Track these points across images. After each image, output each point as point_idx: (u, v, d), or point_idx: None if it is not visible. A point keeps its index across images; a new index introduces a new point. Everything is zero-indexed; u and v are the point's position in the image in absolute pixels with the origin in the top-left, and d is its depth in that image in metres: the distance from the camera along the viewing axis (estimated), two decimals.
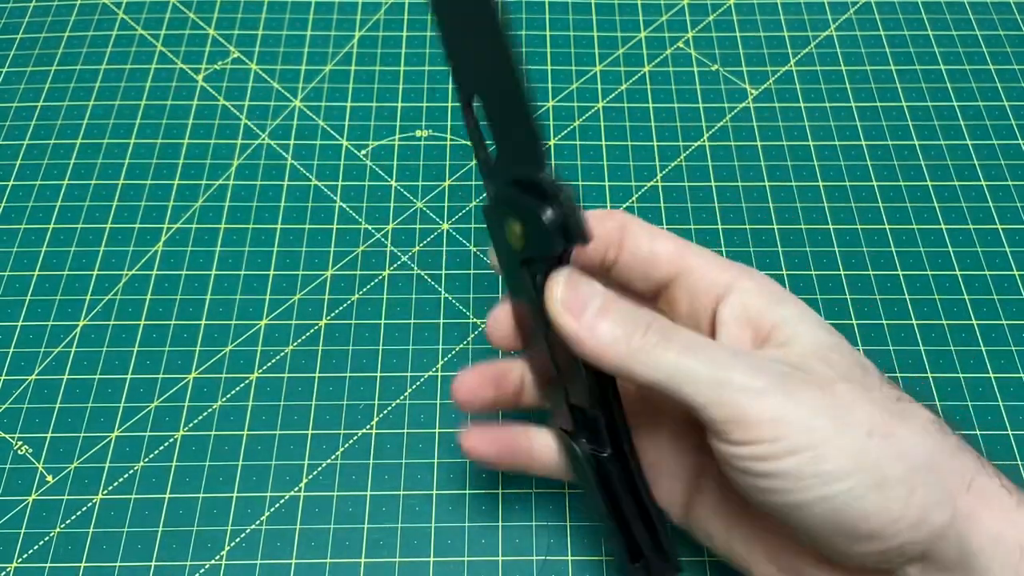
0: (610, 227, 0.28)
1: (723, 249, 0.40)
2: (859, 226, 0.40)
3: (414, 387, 0.36)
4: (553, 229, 0.23)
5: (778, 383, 0.23)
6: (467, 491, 0.34)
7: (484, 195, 0.26)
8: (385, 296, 0.38)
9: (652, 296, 0.29)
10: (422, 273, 0.39)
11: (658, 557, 0.29)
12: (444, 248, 0.40)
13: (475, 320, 0.38)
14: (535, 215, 0.23)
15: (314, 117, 0.44)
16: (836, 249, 0.40)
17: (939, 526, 0.23)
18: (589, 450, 0.28)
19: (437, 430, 0.35)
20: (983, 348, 0.37)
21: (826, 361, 0.25)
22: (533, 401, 0.30)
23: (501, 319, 0.29)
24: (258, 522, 0.33)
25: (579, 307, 0.25)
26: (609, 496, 0.28)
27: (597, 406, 0.27)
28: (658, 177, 0.42)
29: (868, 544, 0.23)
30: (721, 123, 0.44)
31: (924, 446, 0.23)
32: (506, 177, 0.25)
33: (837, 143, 0.43)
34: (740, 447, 0.24)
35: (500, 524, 0.33)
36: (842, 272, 0.39)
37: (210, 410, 0.35)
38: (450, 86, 0.45)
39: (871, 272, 0.39)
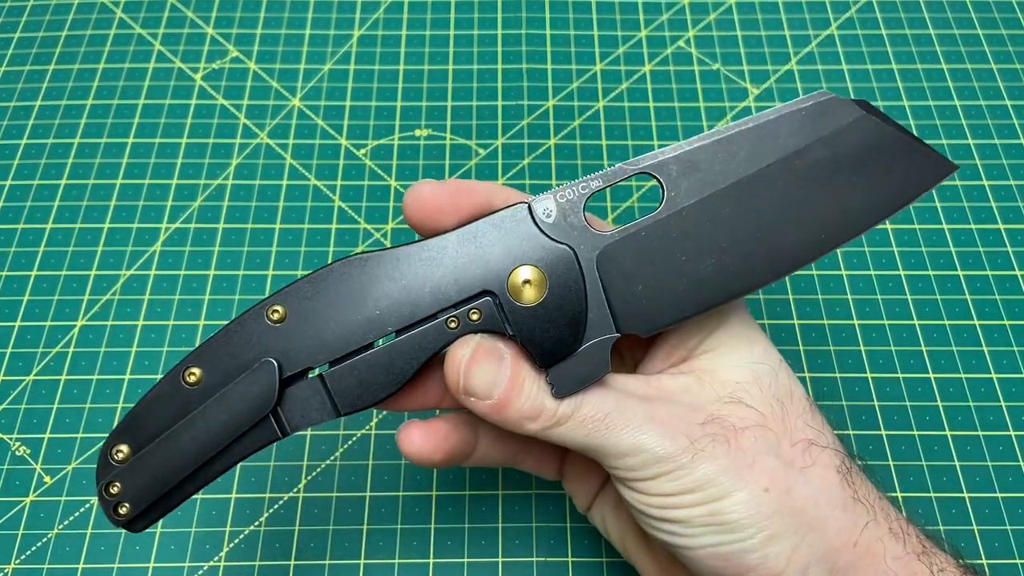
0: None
1: None
2: None
3: None
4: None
5: (685, 444, 0.24)
6: (467, 492, 0.34)
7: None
8: None
9: None
10: None
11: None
12: None
13: None
14: (581, 314, 0.23)
15: (313, 116, 0.44)
16: (837, 249, 0.40)
17: None
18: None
19: None
20: (985, 348, 0.37)
21: (744, 397, 0.25)
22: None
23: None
24: (257, 523, 0.33)
25: (484, 389, 0.24)
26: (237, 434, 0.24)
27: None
28: None
29: None
30: (722, 122, 0.44)
31: (818, 503, 0.24)
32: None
33: None
34: (640, 495, 0.24)
35: (500, 525, 0.33)
36: (843, 272, 0.39)
37: None
38: (450, 85, 0.45)
39: (872, 272, 0.39)
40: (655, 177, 0.24)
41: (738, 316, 0.26)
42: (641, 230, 0.24)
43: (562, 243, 0.24)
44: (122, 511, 0.24)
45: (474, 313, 0.24)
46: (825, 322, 0.38)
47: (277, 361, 0.24)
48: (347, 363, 0.24)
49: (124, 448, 0.24)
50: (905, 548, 0.24)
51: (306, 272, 0.39)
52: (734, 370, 0.25)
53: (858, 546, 0.24)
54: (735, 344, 0.26)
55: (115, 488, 0.24)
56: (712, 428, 0.24)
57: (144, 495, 0.24)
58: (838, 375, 0.36)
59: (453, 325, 0.24)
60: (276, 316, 0.24)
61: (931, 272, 0.39)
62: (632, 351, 0.28)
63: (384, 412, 0.35)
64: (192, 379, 0.24)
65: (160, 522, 0.33)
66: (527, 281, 0.24)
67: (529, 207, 0.24)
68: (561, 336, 0.24)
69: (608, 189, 0.41)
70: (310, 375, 0.24)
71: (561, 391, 0.24)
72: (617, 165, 0.24)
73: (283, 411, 0.24)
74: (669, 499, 0.24)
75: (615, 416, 0.24)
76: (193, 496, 0.25)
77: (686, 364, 0.26)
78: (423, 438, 0.26)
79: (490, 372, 0.24)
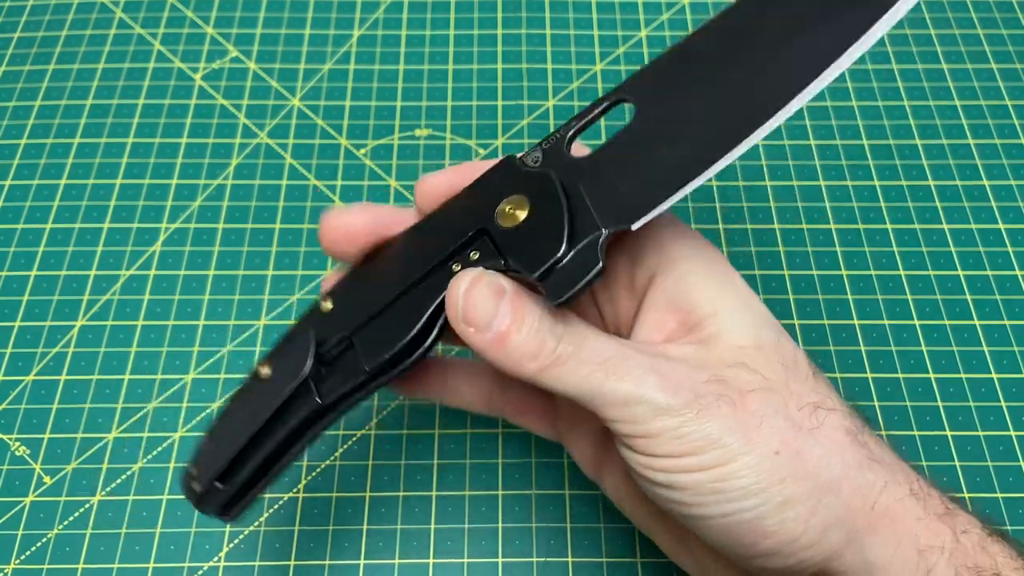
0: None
1: (725, 249, 0.39)
2: (861, 226, 0.40)
3: None
4: (554, 263, 0.23)
5: (689, 399, 0.23)
6: (466, 492, 0.34)
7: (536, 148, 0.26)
8: None
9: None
10: None
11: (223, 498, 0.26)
12: None
13: None
14: (557, 235, 0.23)
15: (313, 116, 0.44)
16: (838, 249, 0.40)
17: (835, 546, 0.23)
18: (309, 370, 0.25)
19: (437, 431, 0.35)
20: (985, 348, 0.37)
21: (749, 362, 0.24)
22: None
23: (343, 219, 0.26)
24: (256, 523, 0.33)
25: (484, 318, 0.23)
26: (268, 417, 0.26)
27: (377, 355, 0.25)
28: None
29: (766, 560, 0.23)
30: None
31: (831, 464, 0.23)
32: (574, 174, 0.25)
33: (839, 142, 0.43)
34: (644, 458, 0.23)
35: (500, 525, 0.33)
36: (843, 272, 0.39)
37: (209, 410, 0.35)
38: (450, 85, 0.45)
39: (873, 272, 0.39)
40: (630, 99, 0.25)
41: (735, 284, 0.25)
42: (616, 138, 0.25)
43: (542, 170, 0.25)
44: (195, 487, 0.26)
45: (473, 253, 0.25)
46: (825, 322, 0.38)
47: (318, 336, 0.26)
48: (371, 323, 0.25)
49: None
50: (926, 509, 0.23)
51: (306, 272, 0.39)
52: (736, 335, 0.24)
53: (876, 508, 0.23)
54: (734, 311, 0.25)
55: (194, 471, 0.26)
56: (717, 388, 0.23)
57: (209, 468, 0.26)
58: (838, 375, 0.36)
59: (456, 268, 0.25)
60: (326, 308, 0.26)
61: (931, 272, 0.39)
62: (621, 326, 0.28)
63: (384, 412, 0.35)
64: (263, 373, 0.26)
65: (159, 523, 0.33)
66: (511, 207, 0.25)
67: (516, 156, 0.25)
68: (548, 244, 0.24)
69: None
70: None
71: (556, 294, 0.23)
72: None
73: (324, 379, 0.26)
74: (672, 462, 0.23)
75: (616, 361, 0.23)
76: (271, 482, 0.26)
77: (684, 336, 0.25)
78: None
79: (489, 301, 0.24)
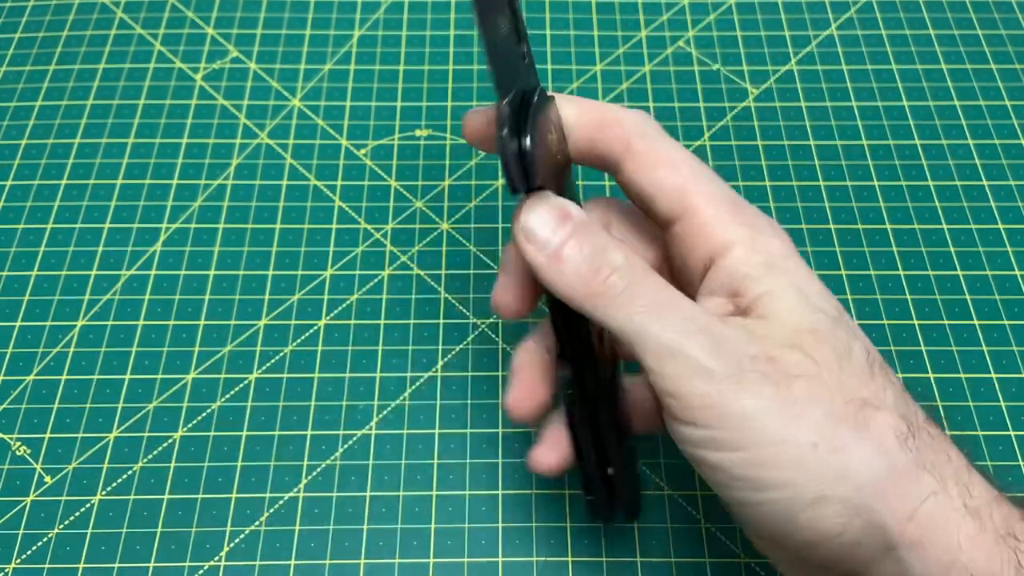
0: (609, 138, 0.26)
1: None
2: (860, 226, 0.40)
3: (414, 387, 0.36)
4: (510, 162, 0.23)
5: (732, 370, 0.22)
6: (467, 492, 0.34)
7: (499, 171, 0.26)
8: (384, 296, 0.38)
9: (667, 223, 0.26)
10: (421, 273, 0.39)
11: (606, 505, 0.29)
12: (444, 248, 0.40)
13: (475, 320, 0.38)
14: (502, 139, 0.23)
15: (313, 116, 0.44)
16: (837, 249, 0.40)
17: (872, 552, 0.22)
18: (566, 380, 0.27)
19: (437, 431, 0.35)
20: (985, 348, 0.37)
21: (801, 345, 0.22)
22: None
23: (504, 284, 0.27)
24: (257, 523, 0.33)
25: (545, 235, 0.23)
26: (572, 433, 0.28)
27: (563, 344, 0.26)
28: None
29: (802, 551, 0.22)
30: (722, 122, 0.44)
31: (871, 467, 0.21)
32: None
33: (838, 143, 0.43)
34: (678, 423, 0.22)
35: (500, 525, 0.33)
36: (843, 272, 0.39)
37: (209, 410, 0.35)
38: (450, 85, 0.45)
39: (872, 272, 0.39)
40: None
41: (791, 265, 0.24)
42: None
43: None
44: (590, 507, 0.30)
45: None
46: None
47: None
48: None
49: None
50: (983, 528, 0.21)
51: (306, 272, 0.39)
52: (790, 316, 0.23)
53: (916, 518, 0.21)
54: (790, 291, 0.23)
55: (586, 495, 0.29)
56: (764, 365, 0.22)
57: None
58: None
59: None
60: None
61: (930, 272, 0.39)
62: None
63: (385, 412, 0.35)
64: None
65: (160, 522, 0.33)
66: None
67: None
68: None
69: None
70: None
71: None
72: None
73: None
74: (702, 433, 0.22)
75: (667, 308, 0.22)
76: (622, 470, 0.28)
77: (738, 314, 0.24)
78: (547, 455, 0.27)
79: (552, 220, 0.23)
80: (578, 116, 0.26)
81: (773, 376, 0.22)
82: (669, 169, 0.25)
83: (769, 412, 0.21)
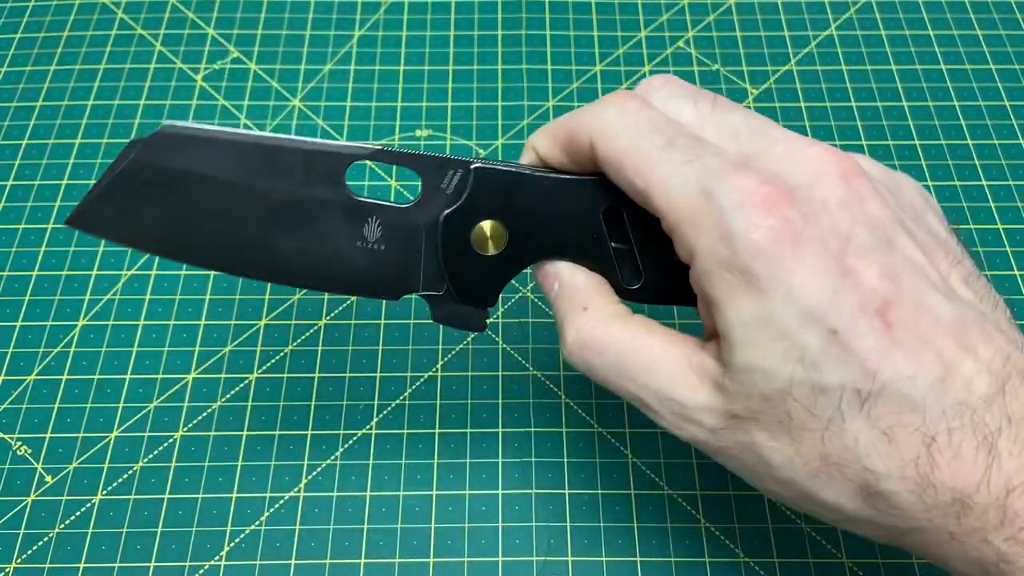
0: (579, 152, 0.25)
1: None
2: None
3: (414, 387, 0.36)
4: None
5: (746, 410, 0.23)
6: (467, 491, 0.34)
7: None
8: None
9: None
10: None
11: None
12: None
13: None
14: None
15: (313, 117, 0.44)
16: None
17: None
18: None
19: (437, 430, 0.35)
20: None
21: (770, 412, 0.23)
22: None
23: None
24: (257, 523, 0.33)
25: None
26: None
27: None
28: None
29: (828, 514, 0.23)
30: None
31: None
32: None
33: (838, 143, 0.43)
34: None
35: (500, 524, 0.33)
36: None
37: (209, 410, 0.35)
38: (450, 85, 0.45)
39: None
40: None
41: (754, 284, 0.22)
42: None
43: None
44: None
45: None
46: None
47: None
48: None
49: None
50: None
51: None
52: (753, 375, 0.23)
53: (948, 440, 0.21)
54: (742, 344, 0.23)
55: None
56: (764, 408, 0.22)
57: None
58: None
59: None
60: None
61: None
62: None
63: (385, 412, 0.35)
64: None
65: (160, 522, 0.33)
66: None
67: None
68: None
69: None
70: None
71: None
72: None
73: None
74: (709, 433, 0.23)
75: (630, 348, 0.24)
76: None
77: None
78: None
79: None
80: (548, 148, 0.26)
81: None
82: (631, 172, 0.23)
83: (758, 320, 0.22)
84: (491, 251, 0.26)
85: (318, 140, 0.25)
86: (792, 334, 0.21)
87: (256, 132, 0.25)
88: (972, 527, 0.21)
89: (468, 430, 0.35)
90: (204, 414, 0.35)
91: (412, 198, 0.26)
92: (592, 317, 0.25)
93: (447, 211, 0.26)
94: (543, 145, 0.26)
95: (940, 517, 0.21)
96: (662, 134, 0.23)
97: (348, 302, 0.38)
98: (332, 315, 0.38)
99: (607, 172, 0.24)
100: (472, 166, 0.25)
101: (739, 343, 0.22)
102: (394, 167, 0.42)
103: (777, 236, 0.21)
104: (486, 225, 0.26)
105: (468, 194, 0.25)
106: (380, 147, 0.25)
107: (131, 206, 0.25)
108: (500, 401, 0.36)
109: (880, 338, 0.21)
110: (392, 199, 0.41)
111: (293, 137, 0.25)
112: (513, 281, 0.38)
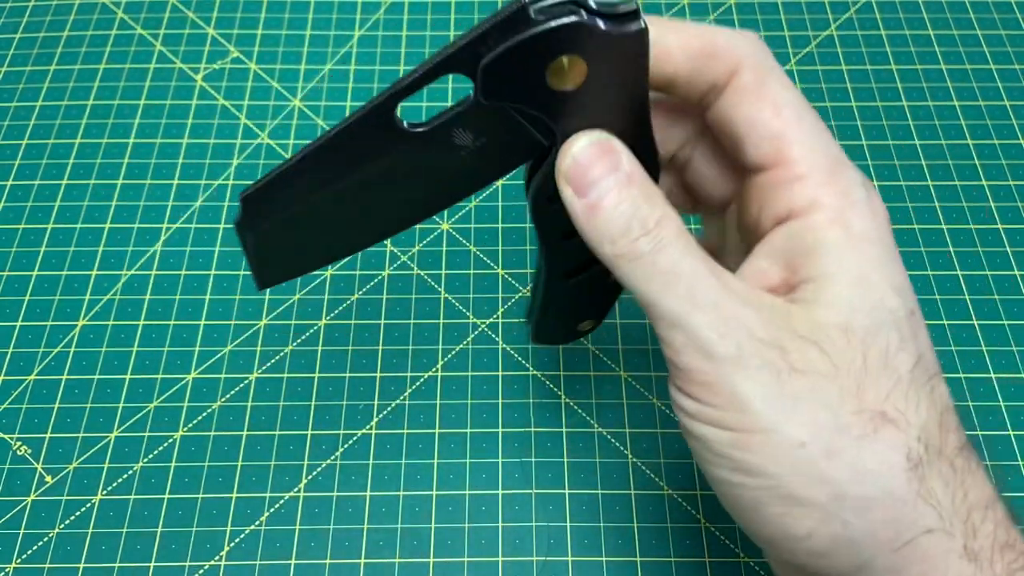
0: (716, 68, 0.23)
1: None
2: None
3: (414, 387, 0.36)
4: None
5: (732, 351, 0.21)
6: (467, 491, 0.34)
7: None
8: (385, 296, 0.38)
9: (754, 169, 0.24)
10: (422, 273, 0.39)
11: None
12: (444, 248, 0.40)
13: (475, 320, 0.38)
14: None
15: (313, 117, 0.44)
16: None
17: (841, 567, 0.21)
18: None
19: (437, 430, 0.35)
20: (984, 348, 0.37)
21: (824, 343, 0.21)
22: None
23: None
24: (257, 523, 0.33)
25: (586, 184, 0.22)
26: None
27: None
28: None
29: (767, 544, 0.22)
30: None
31: (862, 482, 0.20)
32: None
33: (838, 143, 0.43)
34: (676, 390, 0.22)
35: (500, 524, 0.33)
36: None
37: (209, 410, 0.35)
38: (450, 86, 0.45)
39: None
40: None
41: (877, 251, 0.22)
42: None
43: None
44: None
45: None
46: None
47: None
48: None
49: None
50: (980, 572, 0.20)
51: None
52: (826, 310, 0.21)
53: (904, 551, 0.20)
54: (841, 282, 0.22)
55: None
56: (769, 352, 0.21)
57: None
58: None
59: None
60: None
61: (930, 272, 0.39)
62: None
63: (385, 412, 0.35)
64: None
65: (160, 522, 0.33)
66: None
67: None
68: None
69: None
70: None
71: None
72: None
73: None
74: (694, 404, 0.21)
75: (682, 280, 0.21)
76: None
77: (782, 294, 0.23)
78: None
79: (599, 168, 0.22)
80: (681, 45, 0.23)
81: (776, 365, 0.21)
82: (771, 112, 0.23)
83: (763, 399, 0.21)
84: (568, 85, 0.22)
85: (348, 115, 0.25)
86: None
87: (302, 147, 0.25)
88: None
89: (468, 430, 0.35)
90: (204, 414, 0.35)
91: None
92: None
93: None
94: (676, 40, 0.23)
95: None
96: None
97: (348, 302, 0.38)
98: (332, 315, 0.38)
99: (728, 104, 0.23)
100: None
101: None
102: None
103: None
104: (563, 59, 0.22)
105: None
106: (410, 79, 0.24)
107: (274, 256, 0.26)
108: (500, 401, 0.36)
109: None
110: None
111: (333, 126, 0.25)
112: (513, 281, 0.38)
